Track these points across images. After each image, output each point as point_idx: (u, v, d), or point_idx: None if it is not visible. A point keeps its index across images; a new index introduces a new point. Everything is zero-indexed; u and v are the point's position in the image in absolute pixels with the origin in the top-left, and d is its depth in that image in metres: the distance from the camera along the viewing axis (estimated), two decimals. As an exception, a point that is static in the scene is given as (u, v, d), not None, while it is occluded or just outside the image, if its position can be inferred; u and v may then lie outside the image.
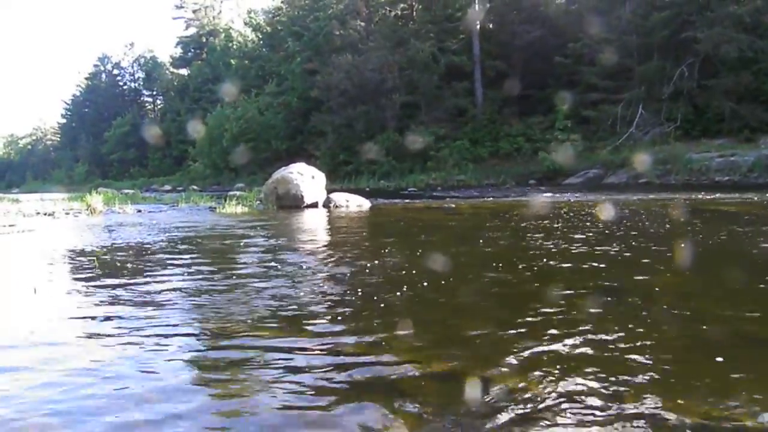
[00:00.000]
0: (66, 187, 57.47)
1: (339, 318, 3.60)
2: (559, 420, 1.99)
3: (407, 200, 18.24)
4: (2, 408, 2.27)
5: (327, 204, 16.48)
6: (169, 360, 2.88)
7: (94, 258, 6.95)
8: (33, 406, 2.29)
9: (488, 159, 31.00)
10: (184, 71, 69.80)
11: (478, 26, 35.83)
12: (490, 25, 37.04)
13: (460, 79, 34.41)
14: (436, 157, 31.58)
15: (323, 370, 2.62)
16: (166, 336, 3.32)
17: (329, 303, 4.06)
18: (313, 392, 2.37)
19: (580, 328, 3.04)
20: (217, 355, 2.98)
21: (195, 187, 35.73)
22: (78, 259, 6.87)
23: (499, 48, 35.22)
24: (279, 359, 2.81)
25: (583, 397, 2.14)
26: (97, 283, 5.33)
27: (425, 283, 4.55)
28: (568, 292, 4.07)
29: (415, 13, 38.75)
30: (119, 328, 3.54)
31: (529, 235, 7.57)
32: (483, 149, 31.67)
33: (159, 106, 75.44)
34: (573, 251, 5.91)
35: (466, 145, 31.93)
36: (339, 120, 36.52)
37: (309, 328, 3.40)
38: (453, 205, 15.13)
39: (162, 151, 63.77)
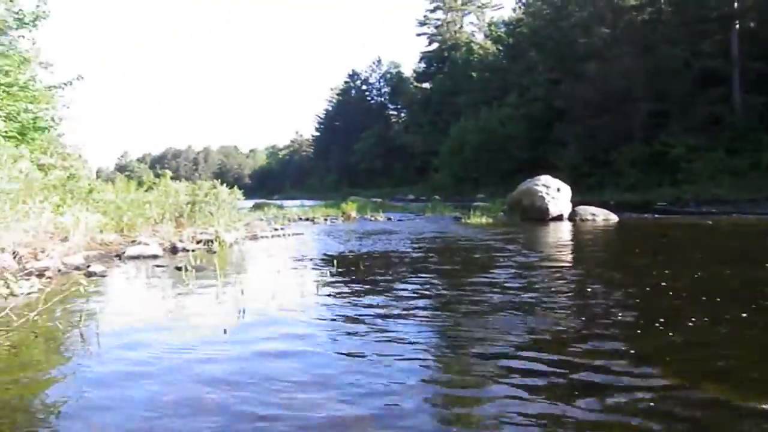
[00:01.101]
0: (318, 194, 62.63)
1: (611, 337, 3.71)
2: None
3: (657, 215, 17.60)
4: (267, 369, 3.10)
5: (572, 217, 16.53)
6: (402, 367, 3.28)
7: (358, 261, 7.94)
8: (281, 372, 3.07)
9: (748, 171, 28.50)
10: (426, 85, 72.74)
11: (737, 26, 33.22)
12: (752, 24, 34.10)
13: (715, 84, 32.05)
14: (687, 169, 29.78)
15: (595, 396, 2.71)
16: (410, 341, 3.81)
17: (594, 321, 4.18)
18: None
19: None
20: (465, 368, 3.25)
21: (437, 197, 37.17)
22: (343, 261, 7.86)
23: (762, 48, 32.24)
24: (540, 380, 2.96)
25: None
26: (362, 283, 6.21)
27: (702, 307, 4.50)
28: None
29: (664, 16, 36.85)
30: (370, 327, 4.23)
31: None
32: (742, 160, 29.13)
33: (403, 119, 79.20)
34: None
35: (721, 156, 29.66)
36: (582, 130, 35.95)
37: (572, 347, 3.52)
38: (710, 222, 14.44)
39: (405, 162, 66.99)
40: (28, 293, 5.34)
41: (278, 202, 30.81)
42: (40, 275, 6.43)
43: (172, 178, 16.05)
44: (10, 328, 4.30)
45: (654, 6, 37.35)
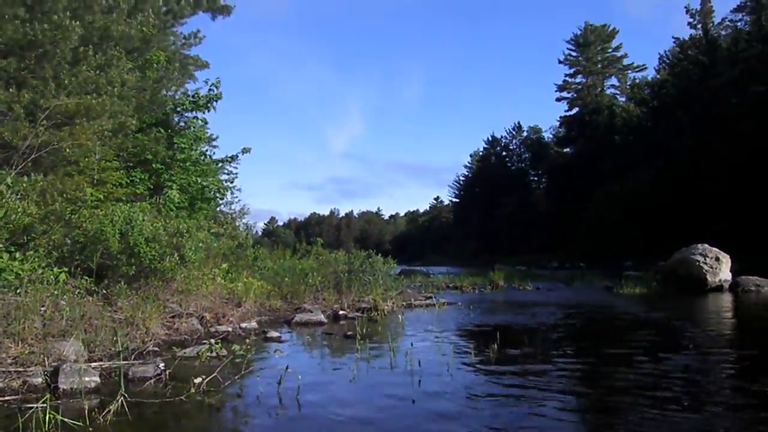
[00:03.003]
0: (458, 261, 62.75)
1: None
2: None
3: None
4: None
5: (734, 288, 15.74)
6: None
7: (519, 335, 8.03)
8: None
9: None
10: (567, 150, 71.80)
11: None
12: None
13: None
14: None
15: None
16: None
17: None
18: None
19: None
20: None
21: (582, 264, 36.27)
22: (504, 333, 7.93)
23: None
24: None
25: None
26: (528, 360, 6.32)
27: None
28: None
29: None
30: (534, 407, 4.35)
31: None
32: None
33: (543, 185, 78.32)
34: None
35: None
36: (739, 194, 34.01)
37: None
38: None
39: (547, 228, 65.86)
40: (230, 357, 5.92)
41: (423, 268, 31.21)
42: (224, 338, 7.11)
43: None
44: (219, 390, 4.87)
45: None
